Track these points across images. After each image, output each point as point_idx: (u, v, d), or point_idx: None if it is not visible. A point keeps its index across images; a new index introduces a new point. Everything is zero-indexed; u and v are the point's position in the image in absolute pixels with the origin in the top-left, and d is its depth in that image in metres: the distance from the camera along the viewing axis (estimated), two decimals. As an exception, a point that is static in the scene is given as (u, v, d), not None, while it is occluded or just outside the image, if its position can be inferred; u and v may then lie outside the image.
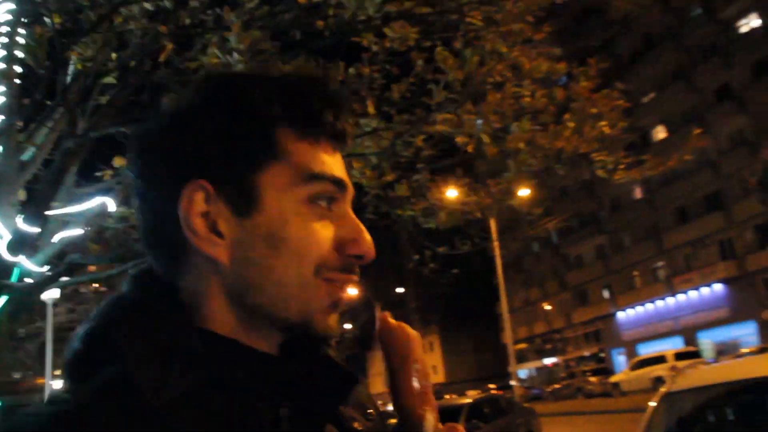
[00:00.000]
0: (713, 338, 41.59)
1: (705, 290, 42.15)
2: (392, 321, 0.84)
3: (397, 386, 0.80)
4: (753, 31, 39.31)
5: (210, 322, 0.74)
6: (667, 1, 43.49)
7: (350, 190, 0.81)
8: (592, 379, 39.19)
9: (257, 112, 0.75)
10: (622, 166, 7.38)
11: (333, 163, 0.78)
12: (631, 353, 46.51)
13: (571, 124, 6.93)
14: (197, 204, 0.72)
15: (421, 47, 6.14)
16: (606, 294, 51.40)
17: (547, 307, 57.47)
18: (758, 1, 38.26)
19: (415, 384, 0.79)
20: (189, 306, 0.74)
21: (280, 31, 5.66)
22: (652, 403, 4.40)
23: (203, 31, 5.38)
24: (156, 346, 0.68)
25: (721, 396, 4.22)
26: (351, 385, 0.79)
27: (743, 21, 40.21)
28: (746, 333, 38.93)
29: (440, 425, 0.79)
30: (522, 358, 57.30)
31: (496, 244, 25.71)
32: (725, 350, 38.50)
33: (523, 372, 58.96)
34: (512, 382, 28.89)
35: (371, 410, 0.95)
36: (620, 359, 48.95)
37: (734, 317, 40.07)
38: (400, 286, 63.75)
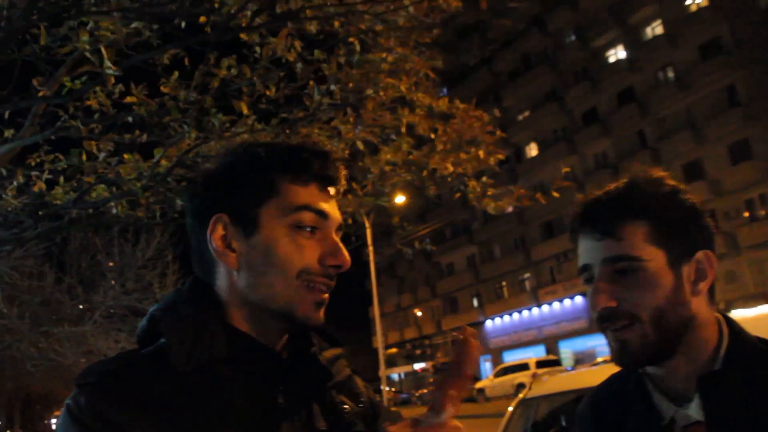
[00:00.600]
0: (573, 347, 43.84)
1: (567, 302, 44.34)
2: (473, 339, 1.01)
3: (450, 380, 0.97)
4: (619, 61, 41.99)
5: (230, 315, 1.06)
6: (545, 25, 45.66)
7: (333, 219, 1.10)
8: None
9: (262, 165, 1.07)
10: (489, 193, 7.60)
11: (319, 200, 1.08)
12: (497, 360, 48.18)
13: (442, 147, 7.10)
14: (218, 230, 1.06)
15: (305, 60, 6.14)
16: (475, 302, 52.95)
17: (419, 313, 58.49)
18: (625, 34, 40.95)
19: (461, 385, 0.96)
20: (219, 302, 1.06)
21: (162, 19, 5.48)
22: (510, 408, 4.62)
23: (77, 13, 5.11)
24: (189, 329, 0.99)
25: (572, 402, 4.56)
26: (328, 379, 1.09)
27: (611, 51, 42.83)
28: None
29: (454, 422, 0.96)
30: (392, 362, 58.06)
31: (370, 249, 25.97)
32: (583, 359, 40.70)
33: (393, 376, 59.77)
34: (381, 386, 29.21)
35: (364, 399, 1.20)
36: (487, 366, 50.56)
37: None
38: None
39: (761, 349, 1.14)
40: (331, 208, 1.09)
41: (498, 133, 7.47)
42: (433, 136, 7.14)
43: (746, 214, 34.25)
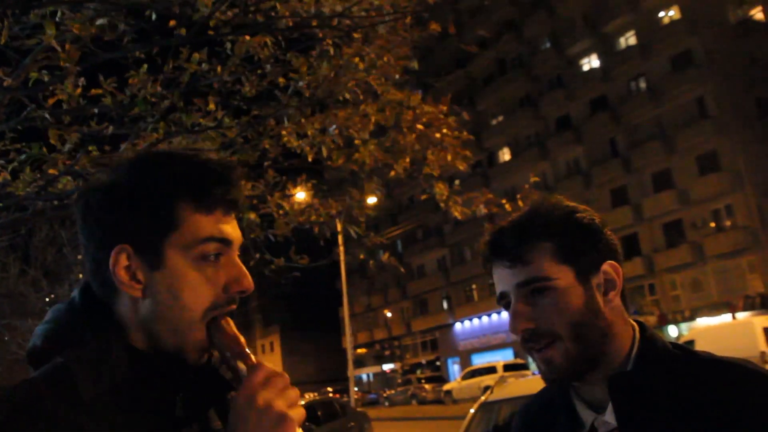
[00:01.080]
0: (539, 352, 44.18)
1: (535, 306, 44.67)
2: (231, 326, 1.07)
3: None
4: (593, 69, 42.49)
5: (132, 339, 1.03)
6: (521, 31, 46.01)
7: (236, 242, 1.08)
8: (427, 386, 40.24)
9: (164, 193, 1.03)
10: (457, 199, 7.62)
11: (222, 226, 1.06)
12: (465, 363, 48.43)
13: (417, 147, 7.11)
14: (121, 261, 1.02)
15: (278, 58, 6.12)
16: (445, 304, 53.16)
17: (388, 314, 58.55)
18: (599, 43, 41.44)
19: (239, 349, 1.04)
20: (120, 325, 1.04)
21: (134, 11, 5.42)
22: (472, 411, 4.67)
23: (47, 1, 5.03)
24: (92, 356, 0.98)
25: None
26: (227, 389, 1.09)
27: (585, 59, 43.32)
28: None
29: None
30: (361, 362, 58.07)
31: (341, 249, 25.94)
32: (548, 363, 41.05)
33: (362, 376, 59.77)
34: (350, 386, 29.21)
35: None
36: (455, 368, 50.77)
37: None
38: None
39: (672, 352, 1.19)
40: (233, 230, 1.08)
41: (464, 134, 7.48)
42: (401, 140, 7.14)
43: (713, 225, 34.82)
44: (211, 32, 5.58)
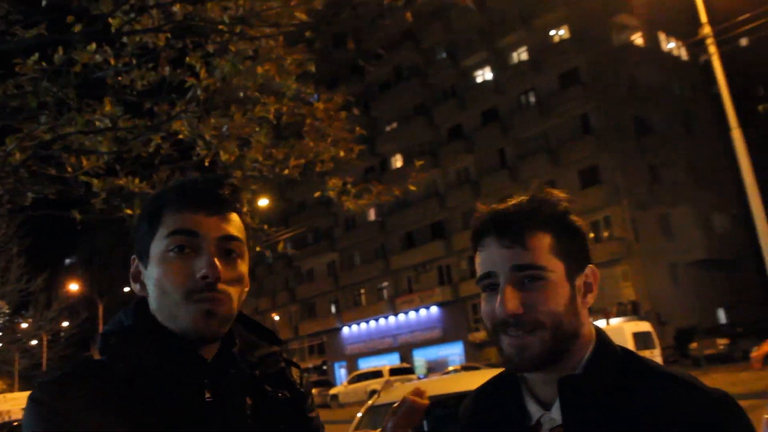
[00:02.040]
0: (426, 356, 44.94)
1: (423, 311, 45.44)
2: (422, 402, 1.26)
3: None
4: (486, 82, 43.78)
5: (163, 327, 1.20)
6: (419, 40, 46.74)
7: (207, 235, 1.20)
8: (314, 390, 39.75)
9: (156, 204, 1.24)
10: (352, 191, 7.64)
11: (191, 220, 1.20)
12: (352, 367, 48.53)
13: (311, 144, 7.05)
14: (133, 268, 1.27)
15: (173, 47, 5.88)
16: (333, 309, 53.13)
17: (276, 318, 57.90)
18: (493, 57, 42.77)
19: None
20: (154, 316, 1.22)
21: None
22: (359, 415, 4.66)
23: None
24: (127, 340, 1.19)
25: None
26: (242, 376, 1.24)
27: (479, 72, 44.61)
28: (455, 352, 42.72)
29: None
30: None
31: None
32: (435, 367, 41.85)
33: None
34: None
35: (298, 386, 1.36)
36: (342, 372, 50.79)
37: (445, 337, 43.73)
38: (127, 284, 60.39)
39: (622, 358, 1.22)
40: (205, 224, 1.20)
41: (357, 129, 7.52)
42: (296, 141, 7.06)
43: (591, 235, 36.43)
44: (110, 21, 5.29)
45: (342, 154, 7.26)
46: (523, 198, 1.26)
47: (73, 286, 42.06)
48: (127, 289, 61.53)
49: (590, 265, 1.27)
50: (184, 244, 1.18)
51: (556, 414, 1.19)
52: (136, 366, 1.14)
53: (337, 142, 7.27)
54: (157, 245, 1.20)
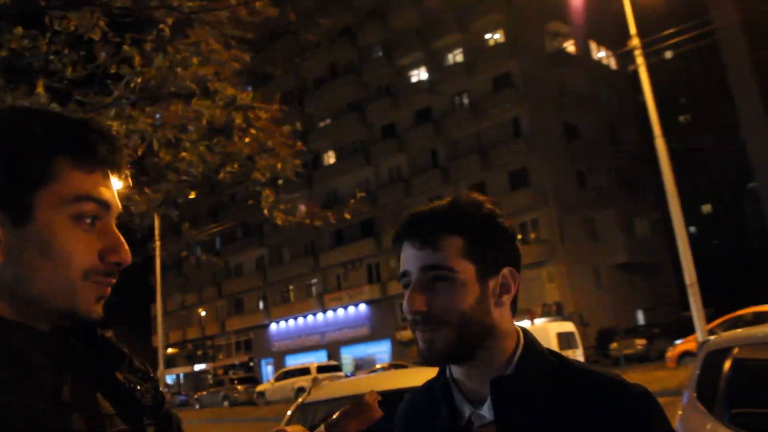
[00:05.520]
0: (353, 354, 45.05)
1: (351, 309, 45.53)
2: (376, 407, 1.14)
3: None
4: (420, 82, 44.13)
5: None
6: (355, 38, 46.72)
7: (114, 209, 1.01)
8: (240, 387, 39.60)
9: (38, 142, 0.95)
10: (282, 207, 7.58)
11: (102, 188, 0.99)
12: (279, 364, 48.25)
13: (246, 151, 6.97)
14: None
15: (110, 41, 5.71)
16: (261, 304, 52.66)
17: (203, 313, 57.01)
18: (429, 57, 43.16)
19: None
20: None
21: None
22: (289, 413, 4.66)
23: None
24: None
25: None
26: (121, 359, 1.07)
27: (415, 71, 44.93)
28: (382, 350, 42.97)
29: None
30: (172, 362, 56.03)
31: (157, 244, 24.81)
32: (362, 365, 42.01)
33: (171, 377, 57.68)
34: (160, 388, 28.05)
35: (151, 374, 1.16)
36: (269, 369, 50.41)
37: (373, 335, 43.93)
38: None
39: (548, 359, 1.29)
40: (112, 196, 1.01)
41: (298, 144, 7.46)
42: (231, 145, 6.96)
43: (519, 237, 37.23)
44: (42, 2, 5.08)
45: (279, 166, 7.20)
46: (443, 202, 1.33)
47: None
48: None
49: (509, 268, 1.30)
50: (97, 216, 0.98)
51: (485, 411, 1.24)
52: None
53: (278, 155, 7.19)
54: (52, 204, 0.94)
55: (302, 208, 7.92)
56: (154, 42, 6.02)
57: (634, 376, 19.56)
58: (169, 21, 5.91)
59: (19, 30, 5.12)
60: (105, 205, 0.99)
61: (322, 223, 7.87)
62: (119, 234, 1.01)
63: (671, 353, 20.85)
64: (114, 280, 1.01)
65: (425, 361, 1.28)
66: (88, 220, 0.96)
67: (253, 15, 6.69)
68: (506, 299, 1.29)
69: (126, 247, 1.00)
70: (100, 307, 1.00)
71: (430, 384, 1.43)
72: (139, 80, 5.72)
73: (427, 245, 1.26)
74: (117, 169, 1.02)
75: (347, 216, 8.69)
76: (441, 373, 1.36)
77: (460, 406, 1.30)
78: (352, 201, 9.13)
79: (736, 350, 4.03)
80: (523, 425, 1.19)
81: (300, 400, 4.76)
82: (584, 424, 1.17)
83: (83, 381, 0.97)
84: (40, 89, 5.24)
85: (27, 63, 5.39)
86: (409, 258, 1.29)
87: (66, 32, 5.40)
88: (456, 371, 1.32)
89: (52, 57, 5.39)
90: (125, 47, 5.69)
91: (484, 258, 1.27)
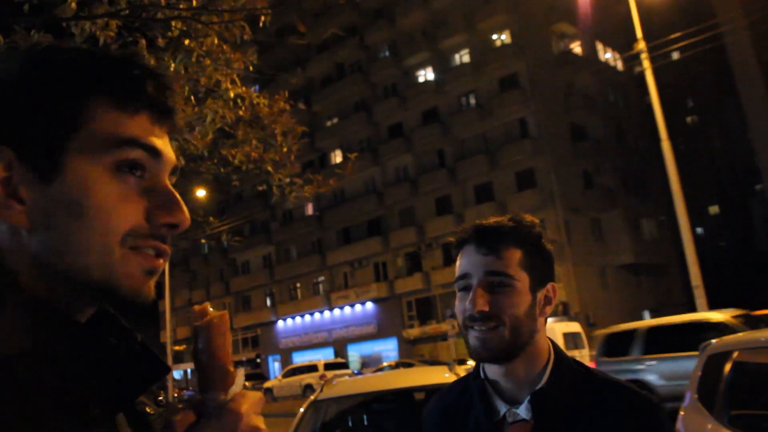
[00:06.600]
0: (360, 351, 45.15)
1: (358, 307, 45.60)
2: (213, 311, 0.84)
3: (215, 353, 0.81)
4: (427, 82, 44.15)
5: (25, 286, 0.74)
6: (363, 37, 46.80)
7: (167, 159, 0.81)
8: (247, 383, 39.52)
9: (68, 81, 0.76)
10: (298, 182, 7.79)
11: (150, 134, 0.79)
12: (286, 360, 48.36)
13: (254, 141, 7.15)
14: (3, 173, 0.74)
15: (124, 41, 5.90)
16: (268, 302, 52.74)
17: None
18: (435, 58, 43.17)
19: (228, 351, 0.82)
20: (8, 270, 0.74)
21: None
22: (302, 409, 4.82)
23: None
24: None
25: (358, 404, 5.01)
26: (162, 374, 0.81)
27: (421, 71, 44.95)
28: (389, 348, 43.06)
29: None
30: (180, 358, 56.21)
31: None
32: (369, 363, 42.12)
33: (179, 373, 57.89)
34: (168, 383, 28.22)
35: (161, 397, 0.93)
36: (276, 366, 50.50)
37: (380, 333, 44.01)
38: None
39: (576, 369, 1.48)
40: (165, 145, 0.81)
41: (298, 128, 7.72)
42: (240, 134, 7.15)
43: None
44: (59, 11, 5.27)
45: (285, 149, 7.39)
46: (505, 218, 1.50)
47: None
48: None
49: (552, 283, 1.49)
50: (145, 165, 0.78)
51: (522, 411, 1.41)
52: None
53: (286, 134, 7.40)
54: (88, 152, 0.75)
55: (311, 178, 8.27)
56: (165, 38, 6.17)
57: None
58: (178, 24, 6.07)
59: (34, 34, 5.29)
60: (155, 152, 0.79)
61: (329, 189, 8.64)
62: (174, 190, 0.80)
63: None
64: (168, 249, 0.80)
65: (478, 357, 1.44)
66: (133, 172, 0.77)
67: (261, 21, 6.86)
68: (548, 310, 1.48)
69: (183, 205, 0.80)
70: (152, 286, 0.80)
71: (460, 383, 1.61)
72: None
73: (492, 253, 1.43)
74: (167, 113, 0.82)
75: (348, 170, 9.05)
76: (476, 375, 1.52)
77: (495, 403, 1.46)
78: (350, 164, 9.55)
79: (736, 354, 4.16)
80: (557, 426, 1.38)
81: (312, 397, 4.91)
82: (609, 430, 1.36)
83: (113, 394, 0.76)
84: None
85: None
86: (473, 262, 1.45)
87: (80, 35, 5.55)
88: (492, 373, 1.49)
89: None
90: (138, 47, 5.85)
91: (536, 271, 1.45)
